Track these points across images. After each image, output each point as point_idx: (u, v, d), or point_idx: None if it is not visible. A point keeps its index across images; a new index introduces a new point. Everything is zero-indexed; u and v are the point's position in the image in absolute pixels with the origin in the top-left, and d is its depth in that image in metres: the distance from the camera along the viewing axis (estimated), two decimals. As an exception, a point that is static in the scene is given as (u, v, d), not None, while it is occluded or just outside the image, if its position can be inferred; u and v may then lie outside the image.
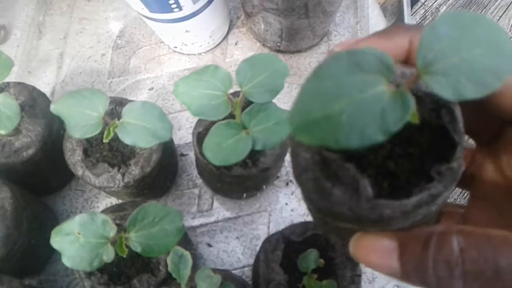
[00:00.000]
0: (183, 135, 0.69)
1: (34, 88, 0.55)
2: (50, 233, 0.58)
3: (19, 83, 0.54)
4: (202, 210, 0.65)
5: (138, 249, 0.41)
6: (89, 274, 0.47)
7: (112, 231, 0.41)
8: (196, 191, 0.66)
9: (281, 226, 0.63)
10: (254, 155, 0.52)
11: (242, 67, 0.46)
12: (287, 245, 0.50)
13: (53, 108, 0.45)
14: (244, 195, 0.60)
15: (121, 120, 0.45)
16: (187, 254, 0.41)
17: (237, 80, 0.46)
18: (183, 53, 0.73)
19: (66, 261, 0.40)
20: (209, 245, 0.63)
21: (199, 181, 0.66)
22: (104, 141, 0.46)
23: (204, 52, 0.73)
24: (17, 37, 0.73)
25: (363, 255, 0.22)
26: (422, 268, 0.20)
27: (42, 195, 0.62)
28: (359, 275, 0.48)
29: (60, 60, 0.73)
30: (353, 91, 0.17)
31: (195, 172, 0.67)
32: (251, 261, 0.63)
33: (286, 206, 0.66)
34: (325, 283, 0.44)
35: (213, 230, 0.64)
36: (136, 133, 0.45)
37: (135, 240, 0.41)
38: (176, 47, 0.71)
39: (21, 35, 0.73)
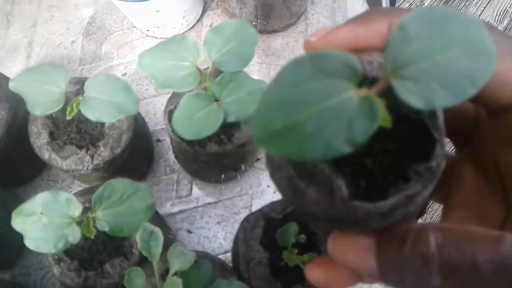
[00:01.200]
0: (159, 121, 0.67)
1: (-4, 72, 0.52)
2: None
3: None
4: (181, 196, 0.63)
5: (105, 228, 0.39)
6: (58, 261, 0.44)
7: (77, 210, 0.39)
8: (174, 176, 0.64)
9: (264, 209, 0.61)
10: (228, 131, 0.50)
11: (210, 36, 0.44)
12: (267, 223, 0.48)
13: (11, 85, 0.43)
14: (223, 176, 0.57)
15: (84, 95, 0.43)
16: (158, 230, 0.39)
17: (205, 49, 0.44)
18: (156, 37, 0.71)
19: (29, 243, 0.38)
20: (189, 232, 0.61)
21: (177, 166, 0.64)
22: (67, 118, 0.44)
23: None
24: (-17, 26, 0.70)
25: (340, 253, 0.22)
26: (399, 266, 0.19)
27: (13, 186, 0.60)
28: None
29: (29, 48, 0.70)
30: (318, 98, 0.16)
31: (172, 158, 0.65)
32: (234, 245, 0.61)
33: (268, 188, 0.63)
34: (306, 256, 0.42)
35: (193, 216, 0.62)
36: (100, 107, 0.42)
37: (102, 219, 0.39)
38: (148, 30, 0.69)
39: (-13, 24, 0.70)
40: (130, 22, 0.72)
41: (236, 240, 0.49)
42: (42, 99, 0.42)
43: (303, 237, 0.45)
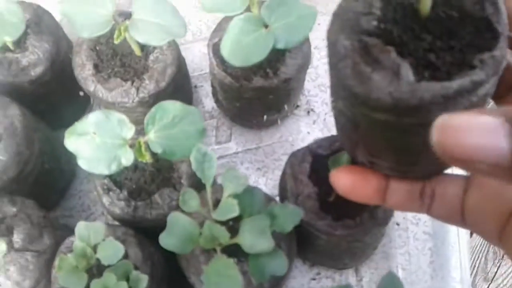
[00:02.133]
0: (196, 67, 0.66)
1: (38, 6, 0.52)
2: (63, 164, 0.56)
3: (22, 1, 0.51)
4: (221, 141, 0.62)
5: (158, 150, 0.38)
6: (108, 190, 0.44)
7: (129, 132, 0.38)
8: (213, 122, 0.63)
9: (304, 155, 0.59)
10: (274, 65, 0.49)
11: (261, -43, 0.42)
12: (314, 159, 0.47)
13: (60, 8, 0.42)
14: (265, 117, 0.56)
15: (132, 17, 0.42)
16: (212, 152, 0.38)
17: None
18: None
19: (83, 163, 0.37)
20: (229, 176, 0.60)
21: (216, 112, 0.63)
22: (115, 42, 0.43)
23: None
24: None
25: (455, 137, 0.16)
26: None
27: (54, 128, 0.59)
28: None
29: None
30: None
31: (211, 103, 0.64)
32: (275, 192, 0.59)
33: (308, 135, 0.62)
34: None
35: (233, 162, 0.61)
36: (148, 30, 0.41)
37: (155, 141, 0.38)
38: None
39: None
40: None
41: (283, 175, 0.48)
42: (90, 21, 0.41)
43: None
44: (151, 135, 0.38)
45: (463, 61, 0.20)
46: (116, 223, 0.47)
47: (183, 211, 0.38)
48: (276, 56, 0.48)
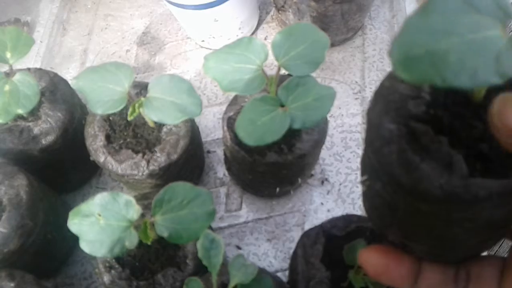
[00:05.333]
0: (210, 132, 0.65)
1: (55, 74, 0.52)
2: (66, 231, 0.54)
3: (39, 68, 0.51)
4: (231, 209, 0.60)
5: (164, 233, 0.36)
6: (110, 268, 0.42)
7: (135, 214, 0.37)
8: (223, 189, 0.61)
9: (317, 228, 0.57)
10: (289, 140, 0.47)
11: (279, 38, 0.42)
12: (327, 240, 0.45)
13: (74, 83, 0.42)
14: (277, 189, 0.55)
15: (147, 95, 0.41)
16: (220, 239, 0.36)
17: (273, 52, 0.42)
18: (210, 48, 0.70)
19: (85, 246, 0.36)
20: (238, 248, 0.58)
21: (227, 179, 0.62)
22: (129, 118, 0.42)
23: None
24: (40, 33, 0.71)
25: None
26: None
27: (61, 193, 0.59)
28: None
29: (84, 56, 0.71)
30: (464, 30, 0.16)
31: (222, 170, 0.62)
32: (285, 265, 0.57)
33: (322, 206, 0.60)
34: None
35: (243, 232, 0.59)
36: (163, 108, 0.41)
37: (162, 224, 0.37)
38: (203, 41, 0.68)
39: (44, 32, 0.71)
40: (184, 33, 0.72)
41: (294, 256, 0.45)
42: (105, 98, 0.41)
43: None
44: (158, 218, 0.37)
45: None
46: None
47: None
48: (292, 132, 0.47)
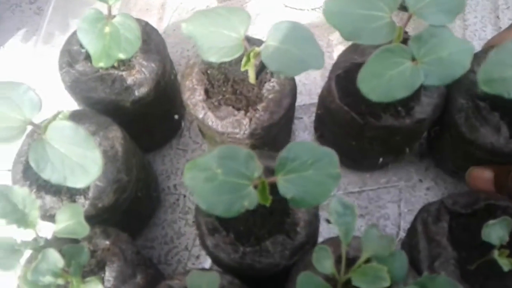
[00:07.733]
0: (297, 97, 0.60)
1: (147, 23, 0.48)
2: (152, 191, 0.52)
3: (131, 16, 0.48)
4: (319, 181, 0.56)
5: (288, 194, 0.32)
6: (213, 231, 0.39)
7: (257, 171, 0.33)
8: (311, 159, 0.57)
9: (415, 207, 0.52)
10: (407, 103, 0.42)
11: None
12: (451, 217, 0.40)
13: (185, 27, 0.38)
14: (380, 159, 0.50)
15: (265, 43, 0.37)
16: (354, 205, 0.32)
17: (407, -2, 0.37)
18: (295, 8, 0.65)
19: (201, 202, 0.32)
20: (328, 221, 0.54)
21: (315, 148, 0.57)
22: (242, 69, 0.38)
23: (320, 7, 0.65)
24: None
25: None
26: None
27: (145, 152, 0.56)
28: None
29: (162, 10, 0.67)
30: None
31: (309, 138, 0.58)
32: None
33: (421, 183, 0.55)
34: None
35: (332, 205, 0.55)
36: (282, 59, 0.37)
37: (285, 185, 0.33)
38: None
39: (123, -16, 0.67)
40: (269, -9, 0.67)
41: (413, 232, 0.41)
42: (219, 44, 0.37)
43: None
44: (281, 178, 0.33)
45: None
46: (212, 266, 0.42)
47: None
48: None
